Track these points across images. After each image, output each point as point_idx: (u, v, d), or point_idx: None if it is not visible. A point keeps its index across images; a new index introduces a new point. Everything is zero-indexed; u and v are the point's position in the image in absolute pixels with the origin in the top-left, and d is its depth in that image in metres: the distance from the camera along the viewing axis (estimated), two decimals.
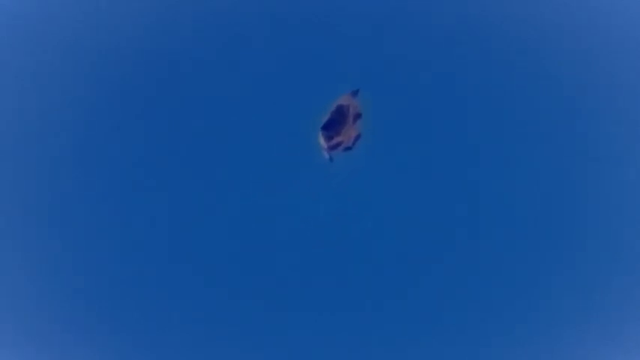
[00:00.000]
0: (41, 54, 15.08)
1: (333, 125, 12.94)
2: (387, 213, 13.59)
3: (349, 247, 13.61)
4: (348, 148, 13.02)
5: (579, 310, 13.22)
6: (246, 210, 13.84)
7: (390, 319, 13.27)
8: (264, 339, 13.21)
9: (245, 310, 13.39)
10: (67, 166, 14.26)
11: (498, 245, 13.61)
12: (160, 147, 14.25)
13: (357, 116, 13.00)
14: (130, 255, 13.68)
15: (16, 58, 15.04)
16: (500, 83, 14.55)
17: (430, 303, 13.33)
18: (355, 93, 13.30)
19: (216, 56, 14.43)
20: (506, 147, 14.19)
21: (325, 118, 13.10)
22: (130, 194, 14.03)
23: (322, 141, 12.87)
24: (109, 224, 13.86)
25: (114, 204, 13.99)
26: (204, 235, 13.80)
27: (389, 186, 13.53)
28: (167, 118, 14.54)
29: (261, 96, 13.92)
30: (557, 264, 13.46)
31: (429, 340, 13.15)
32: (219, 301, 13.44)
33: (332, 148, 12.92)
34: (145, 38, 14.87)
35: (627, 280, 13.38)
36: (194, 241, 13.76)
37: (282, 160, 13.52)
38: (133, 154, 14.24)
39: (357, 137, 13.06)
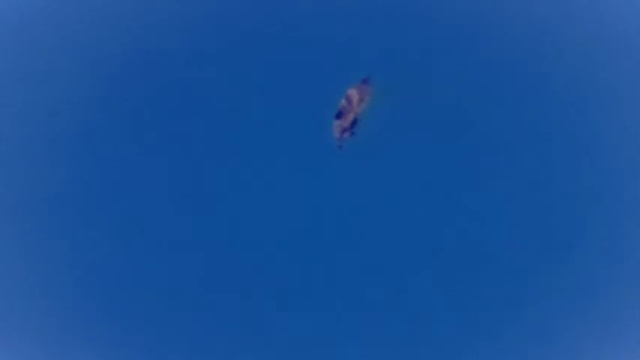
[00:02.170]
0: (41, 54, 15.12)
1: (343, 113, 13.68)
2: (386, 207, 13.80)
3: (348, 246, 13.66)
4: (353, 133, 13.65)
5: (579, 310, 13.21)
6: (249, 208, 13.91)
7: (389, 319, 13.28)
8: (262, 338, 13.22)
9: (245, 310, 13.40)
10: (67, 166, 14.28)
11: (499, 245, 13.62)
12: (166, 145, 14.34)
13: (360, 101, 13.67)
14: (131, 255, 13.69)
15: (16, 58, 15.08)
16: (505, 83, 14.64)
17: (430, 303, 13.34)
18: (366, 80, 13.97)
19: (236, 51, 14.86)
20: (507, 146, 14.23)
21: (337, 107, 13.78)
22: (131, 193, 14.07)
23: (335, 129, 13.62)
24: (109, 223, 13.89)
25: (115, 203, 14.02)
26: (204, 235, 13.84)
27: (389, 180, 13.89)
28: (169, 118, 14.60)
29: (278, 90, 14.45)
30: (557, 264, 13.46)
31: (429, 340, 13.15)
32: (219, 301, 13.44)
33: (341, 134, 13.66)
34: (159, 37, 15.08)
35: (627, 280, 13.37)
36: (196, 241, 13.80)
37: (297, 151, 13.97)
38: (136, 151, 14.31)
39: (355, 121, 13.69)
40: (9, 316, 13.37)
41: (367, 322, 13.26)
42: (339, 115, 13.68)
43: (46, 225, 13.88)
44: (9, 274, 13.61)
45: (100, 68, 14.96)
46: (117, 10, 15.42)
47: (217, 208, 13.97)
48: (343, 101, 13.77)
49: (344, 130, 13.57)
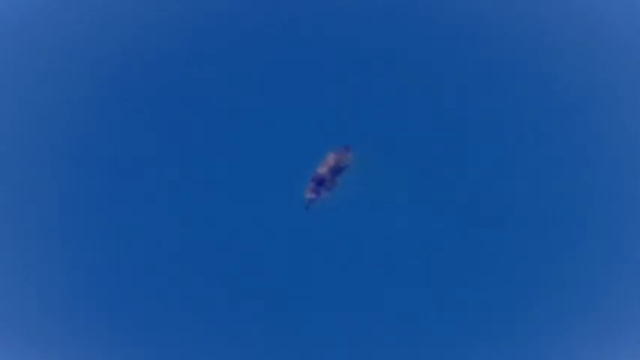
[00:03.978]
0: (41, 54, 15.12)
1: (318, 175, 13.90)
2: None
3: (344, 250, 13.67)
4: (318, 193, 13.81)
5: (579, 310, 13.21)
6: (249, 208, 13.94)
7: (388, 319, 13.29)
8: (263, 339, 13.22)
9: (245, 310, 13.41)
10: (67, 165, 14.29)
11: (498, 245, 13.62)
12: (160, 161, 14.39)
13: (335, 166, 13.92)
14: (131, 255, 13.69)
15: (16, 58, 15.08)
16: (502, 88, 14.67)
17: (430, 303, 13.35)
18: (347, 147, 14.14)
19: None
20: (506, 146, 14.25)
21: (316, 170, 13.97)
22: (131, 193, 14.07)
23: (307, 190, 13.87)
24: (109, 223, 13.89)
25: (114, 203, 14.02)
26: (205, 234, 13.85)
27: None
28: (169, 118, 14.63)
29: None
30: (558, 264, 13.46)
31: (428, 340, 13.15)
32: (218, 302, 13.45)
33: (311, 197, 13.82)
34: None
35: (627, 280, 13.37)
36: (196, 241, 13.81)
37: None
38: (136, 151, 14.35)
39: (321, 182, 13.85)
40: (9, 316, 13.38)
41: (367, 322, 13.27)
42: (314, 177, 13.90)
43: (46, 225, 13.88)
44: (9, 275, 13.62)
45: (100, 68, 14.96)
46: (117, 10, 15.43)
47: (217, 208, 13.97)
48: (322, 164, 13.98)
49: (313, 191, 13.80)
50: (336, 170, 13.93)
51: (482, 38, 15.07)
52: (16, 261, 13.68)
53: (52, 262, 13.64)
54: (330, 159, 13.96)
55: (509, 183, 13.98)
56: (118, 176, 14.21)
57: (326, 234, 13.77)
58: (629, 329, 13.12)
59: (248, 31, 15.34)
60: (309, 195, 13.80)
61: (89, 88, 14.84)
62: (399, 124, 14.56)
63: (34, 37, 15.27)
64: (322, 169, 13.90)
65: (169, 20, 15.34)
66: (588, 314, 13.16)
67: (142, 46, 15.12)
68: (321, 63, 15.09)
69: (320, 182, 13.79)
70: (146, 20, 15.39)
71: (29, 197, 14.04)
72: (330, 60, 15.09)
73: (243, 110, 14.72)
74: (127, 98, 14.74)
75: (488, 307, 13.26)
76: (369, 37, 15.18)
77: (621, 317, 13.17)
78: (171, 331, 13.26)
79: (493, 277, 13.45)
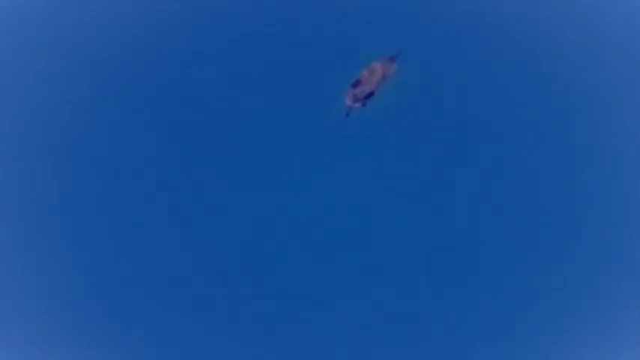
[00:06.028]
0: (41, 54, 15.13)
1: (361, 83, 13.84)
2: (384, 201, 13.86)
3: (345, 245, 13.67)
4: (364, 104, 13.83)
5: (579, 310, 13.22)
6: (250, 207, 13.93)
7: (388, 319, 13.29)
8: (264, 339, 13.23)
9: (246, 310, 13.41)
10: (67, 165, 14.29)
11: (499, 245, 13.63)
12: (166, 139, 14.36)
13: (382, 77, 13.89)
14: (132, 255, 13.70)
15: (16, 58, 15.09)
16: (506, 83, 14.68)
17: (430, 302, 13.35)
18: (393, 58, 14.12)
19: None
20: (507, 146, 14.25)
21: (356, 76, 13.96)
22: (132, 193, 14.07)
23: (348, 97, 13.81)
24: (110, 223, 13.89)
25: (115, 203, 14.02)
26: (206, 234, 13.84)
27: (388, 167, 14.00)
28: (170, 118, 14.63)
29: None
30: (558, 264, 13.47)
31: (428, 339, 13.16)
32: (220, 300, 13.45)
33: (352, 102, 13.82)
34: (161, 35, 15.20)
35: (627, 280, 13.38)
36: (198, 242, 13.81)
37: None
38: (136, 151, 14.33)
39: (370, 94, 13.78)
40: (9, 316, 13.38)
41: (368, 322, 13.27)
42: (356, 84, 13.83)
43: (46, 225, 13.88)
44: (9, 275, 13.62)
45: (100, 68, 14.97)
46: (117, 10, 15.43)
47: (219, 207, 13.97)
48: (365, 72, 13.92)
49: (356, 100, 13.70)
50: (380, 80, 13.83)
51: (483, 38, 15.08)
52: (16, 261, 13.67)
53: (52, 262, 13.63)
54: (375, 68, 13.89)
55: (509, 183, 13.98)
56: (119, 176, 14.21)
57: (326, 234, 13.79)
58: (629, 329, 13.12)
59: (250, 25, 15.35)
60: (349, 102, 13.68)
61: (89, 88, 14.84)
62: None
63: (34, 37, 15.27)
64: (365, 78, 13.79)
65: (169, 20, 15.35)
66: (588, 314, 13.17)
67: (142, 46, 15.13)
68: None
69: (363, 92, 13.66)
70: (146, 20, 15.40)
71: (29, 197, 14.04)
72: None
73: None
74: (127, 98, 14.75)
75: (489, 307, 13.26)
76: None
77: (621, 317, 13.17)
78: (171, 331, 13.25)
79: (493, 278, 13.45)
